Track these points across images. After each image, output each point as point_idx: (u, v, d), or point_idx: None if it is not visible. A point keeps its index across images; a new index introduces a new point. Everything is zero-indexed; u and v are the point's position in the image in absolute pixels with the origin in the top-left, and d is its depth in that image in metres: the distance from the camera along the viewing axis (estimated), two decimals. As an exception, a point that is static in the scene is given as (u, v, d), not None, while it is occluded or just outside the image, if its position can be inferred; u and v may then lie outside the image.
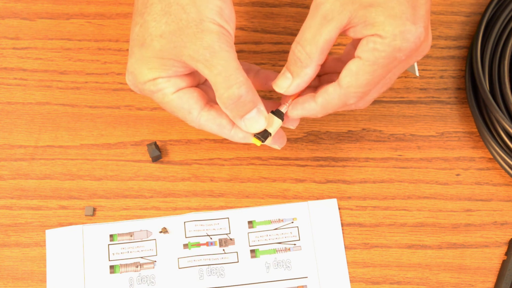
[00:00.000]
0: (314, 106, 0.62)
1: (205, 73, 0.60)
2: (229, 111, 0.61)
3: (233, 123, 0.62)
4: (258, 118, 0.61)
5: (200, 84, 0.65)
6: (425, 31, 0.59)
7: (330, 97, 0.61)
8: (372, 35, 0.58)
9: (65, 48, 0.75)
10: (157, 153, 0.70)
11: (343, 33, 0.60)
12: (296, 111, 0.63)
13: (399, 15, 0.58)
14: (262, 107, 0.61)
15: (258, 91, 0.64)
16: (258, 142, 0.63)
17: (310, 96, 0.62)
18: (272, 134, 0.63)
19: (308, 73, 0.61)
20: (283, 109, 0.63)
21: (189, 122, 0.63)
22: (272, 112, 0.63)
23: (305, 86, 0.62)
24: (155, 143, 0.70)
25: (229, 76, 0.59)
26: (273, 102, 0.66)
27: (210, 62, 0.59)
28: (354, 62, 0.59)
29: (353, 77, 0.59)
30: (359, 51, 0.59)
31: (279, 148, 0.65)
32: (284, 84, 0.62)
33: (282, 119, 0.63)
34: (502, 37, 0.73)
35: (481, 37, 0.72)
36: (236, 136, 0.63)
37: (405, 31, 0.58)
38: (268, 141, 0.63)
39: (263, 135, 0.62)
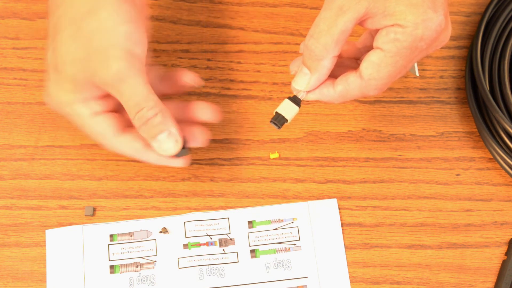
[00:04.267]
0: (333, 93, 0.61)
1: (117, 97, 0.61)
2: (141, 132, 0.62)
3: (147, 146, 0.63)
4: (168, 141, 0.61)
5: (121, 107, 0.65)
6: (445, 19, 0.58)
7: (350, 87, 0.60)
8: (392, 25, 0.57)
9: (65, 48, 0.75)
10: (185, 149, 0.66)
11: (360, 24, 0.59)
12: (313, 95, 0.62)
13: (420, 3, 0.57)
14: (174, 129, 0.61)
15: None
16: None
17: (329, 82, 0.61)
18: (288, 121, 0.62)
19: (326, 65, 0.59)
20: (300, 95, 0.62)
21: (107, 146, 0.64)
22: (289, 98, 0.62)
23: (325, 78, 0.61)
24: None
25: (137, 102, 0.60)
26: None
27: (118, 88, 0.60)
28: (375, 54, 0.58)
29: (375, 69, 0.58)
30: (379, 42, 0.58)
31: (178, 165, 0.65)
32: (303, 80, 0.61)
33: (299, 106, 0.62)
34: (502, 37, 0.72)
35: (481, 37, 0.72)
36: (150, 158, 0.64)
37: (427, 19, 0.57)
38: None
39: (280, 121, 0.62)
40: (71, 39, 0.61)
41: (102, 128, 0.63)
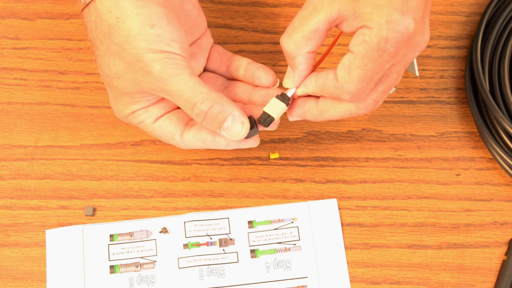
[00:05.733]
0: (314, 83, 0.62)
1: (169, 99, 0.61)
2: (207, 126, 0.61)
3: (214, 133, 0.63)
4: (235, 126, 0.61)
5: None
6: (415, 23, 0.57)
7: (327, 84, 0.60)
8: (361, 27, 0.57)
9: (65, 48, 0.75)
10: (254, 128, 0.64)
11: (338, 28, 0.59)
12: (299, 89, 0.62)
13: (386, 5, 0.56)
14: (236, 112, 0.61)
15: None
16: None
17: (314, 73, 0.62)
18: (276, 119, 0.62)
19: (301, 61, 0.60)
20: (289, 93, 0.62)
21: (177, 146, 0.64)
22: (277, 96, 0.62)
23: (306, 74, 0.61)
24: (252, 118, 0.64)
25: (187, 98, 0.60)
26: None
27: (165, 90, 0.60)
28: (347, 56, 0.59)
29: (346, 71, 0.59)
30: (351, 45, 0.58)
31: (250, 145, 0.64)
32: (289, 79, 0.62)
33: (287, 104, 0.62)
34: (502, 37, 0.73)
35: (481, 37, 0.72)
36: (219, 144, 0.63)
37: (390, 21, 0.56)
38: (273, 127, 0.63)
39: (266, 120, 0.62)
40: (108, 55, 0.61)
41: (168, 130, 0.63)
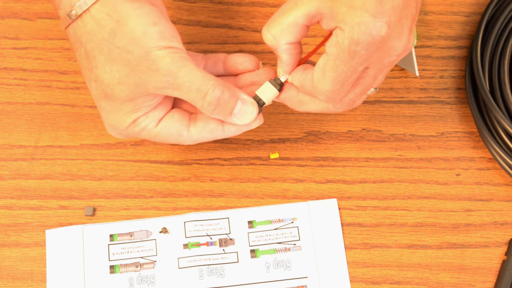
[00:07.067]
0: (297, 80, 0.62)
1: (177, 94, 0.60)
2: (217, 115, 0.61)
3: (221, 122, 0.63)
4: (246, 107, 0.62)
5: (178, 101, 0.66)
6: (388, 26, 0.56)
7: (306, 82, 0.61)
8: (335, 27, 0.57)
9: (65, 48, 0.75)
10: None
11: (319, 24, 0.59)
12: (289, 78, 0.63)
13: (359, 6, 0.56)
14: (244, 95, 0.62)
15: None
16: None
17: (301, 67, 0.62)
18: (266, 103, 0.63)
19: (282, 51, 0.61)
20: (282, 78, 0.63)
21: (184, 143, 0.64)
22: (270, 81, 0.63)
23: (292, 62, 0.62)
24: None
25: (198, 87, 0.60)
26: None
27: (175, 85, 0.60)
28: (322, 57, 0.59)
29: (320, 73, 0.59)
30: (326, 45, 0.58)
31: (257, 125, 0.64)
32: (279, 67, 0.63)
33: (279, 89, 0.63)
34: (502, 37, 0.73)
35: (481, 37, 0.72)
36: (229, 132, 0.63)
37: (361, 22, 0.56)
38: (269, 102, 0.63)
39: (257, 103, 0.63)
40: (109, 62, 0.60)
41: (174, 128, 0.63)
